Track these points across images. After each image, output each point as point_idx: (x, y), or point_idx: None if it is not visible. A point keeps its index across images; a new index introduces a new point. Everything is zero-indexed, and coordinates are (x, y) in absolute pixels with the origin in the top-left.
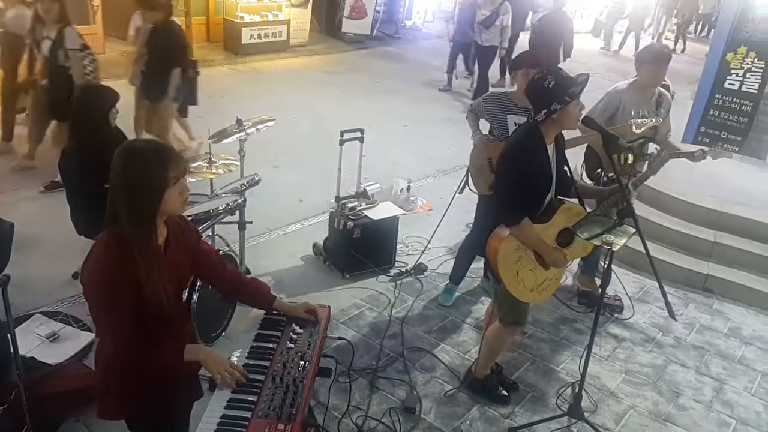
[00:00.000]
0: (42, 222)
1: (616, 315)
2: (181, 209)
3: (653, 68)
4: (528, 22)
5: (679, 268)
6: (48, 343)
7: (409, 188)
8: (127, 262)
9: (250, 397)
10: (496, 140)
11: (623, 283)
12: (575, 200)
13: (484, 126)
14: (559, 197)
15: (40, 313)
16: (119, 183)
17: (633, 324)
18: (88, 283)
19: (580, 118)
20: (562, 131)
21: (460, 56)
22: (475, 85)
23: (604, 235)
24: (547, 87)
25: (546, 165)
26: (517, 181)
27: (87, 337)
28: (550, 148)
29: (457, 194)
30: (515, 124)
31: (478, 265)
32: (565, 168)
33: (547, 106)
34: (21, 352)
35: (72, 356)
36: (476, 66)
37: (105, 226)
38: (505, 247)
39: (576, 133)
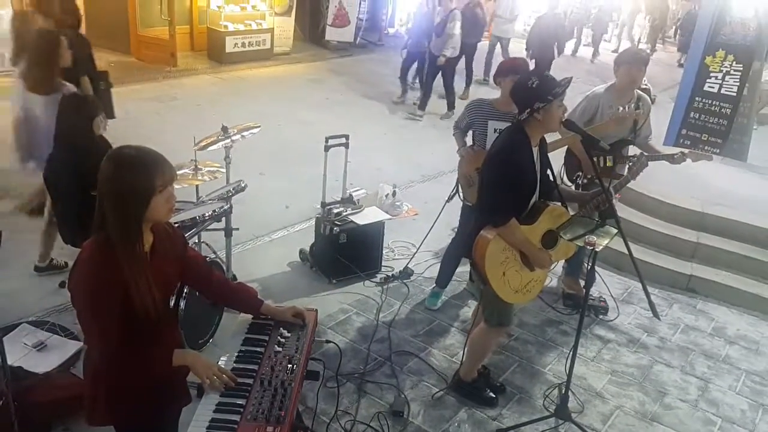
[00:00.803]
0: (28, 231)
1: (601, 316)
2: (168, 216)
3: (630, 70)
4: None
5: (663, 269)
6: (35, 352)
7: (394, 193)
8: (114, 268)
9: (239, 401)
10: (481, 149)
11: (608, 284)
12: (558, 203)
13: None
14: (543, 200)
15: (27, 322)
16: (107, 190)
17: (618, 325)
18: (75, 289)
19: (562, 120)
20: (545, 135)
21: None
22: (421, 97)
23: (586, 236)
24: (530, 86)
25: (531, 166)
26: (504, 181)
27: (74, 346)
28: (535, 151)
29: (448, 201)
30: (495, 130)
31: (464, 268)
32: (548, 172)
33: (531, 105)
34: (8, 361)
35: (59, 365)
36: (424, 77)
37: (92, 233)
38: (492, 248)
39: (556, 136)
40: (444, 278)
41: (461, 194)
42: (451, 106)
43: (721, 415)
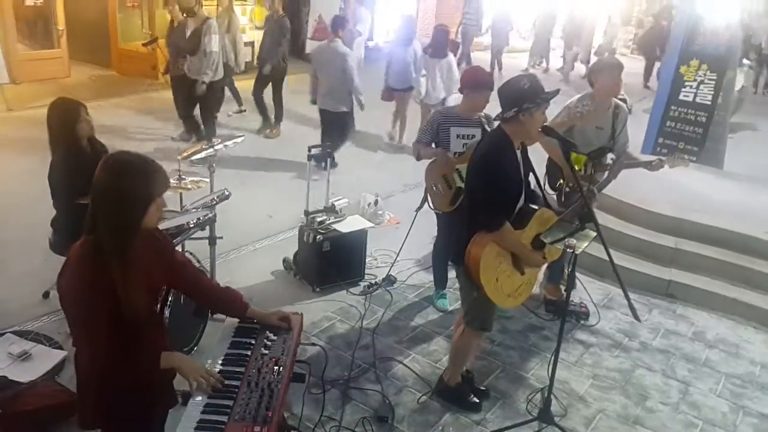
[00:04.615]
0: (15, 241)
1: (582, 321)
2: (157, 223)
3: (610, 74)
4: None
5: (642, 274)
6: (19, 362)
7: (377, 202)
8: (102, 271)
9: (227, 402)
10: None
11: (588, 290)
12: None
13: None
14: (530, 205)
15: (11, 332)
16: (105, 194)
17: (599, 330)
18: (65, 293)
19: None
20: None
21: None
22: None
23: (566, 239)
24: (522, 87)
25: (515, 166)
26: (494, 184)
27: (58, 355)
28: (518, 154)
29: (418, 212)
30: (457, 136)
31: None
32: (531, 177)
33: (519, 105)
34: None
35: (44, 374)
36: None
37: (84, 236)
38: (486, 255)
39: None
40: (440, 278)
41: (430, 203)
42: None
43: (702, 418)
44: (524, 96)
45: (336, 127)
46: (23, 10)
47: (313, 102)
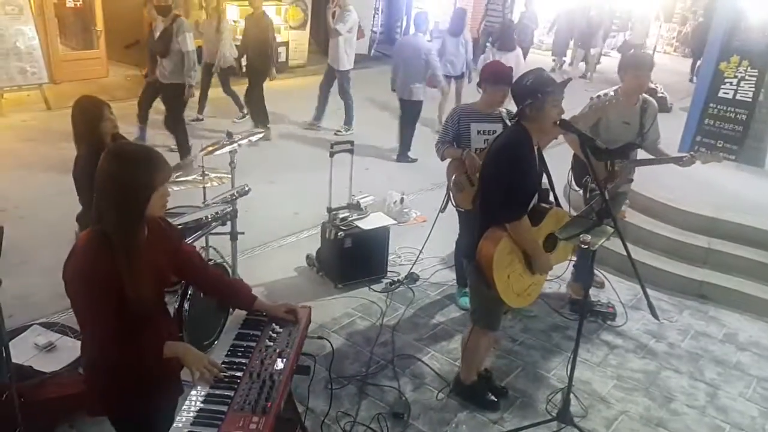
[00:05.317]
0: (43, 235)
1: (609, 322)
2: (161, 212)
3: (636, 74)
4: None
5: (674, 275)
6: (45, 352)
7: (402, 200)
8: (109, 260)
9: (228, 392)
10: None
11: (617, 290)
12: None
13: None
14: (542, 204)
15: (38, 324)
16: (110, 183)
17: (626, 331)
18: (71, 281)
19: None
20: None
21: None
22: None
23: (581, 235)
24: (525, 83)
25: (533, 160)
26: (513, 174)
27: None
28: (535, 150)
29: (441, 212)
30: (478, 132)
31: None
32: (545, 179)
33: (523, 102)
34: (19, 361)
35: (67, 365)
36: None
37: (91, 226)
38: (499, 251)
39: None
40: (463, 277)
41: (453, 201)
42: None
43: (729, 422)
44: (527, 92)
45: (410, 114)
46: (64, 11)
47: (393, 90)
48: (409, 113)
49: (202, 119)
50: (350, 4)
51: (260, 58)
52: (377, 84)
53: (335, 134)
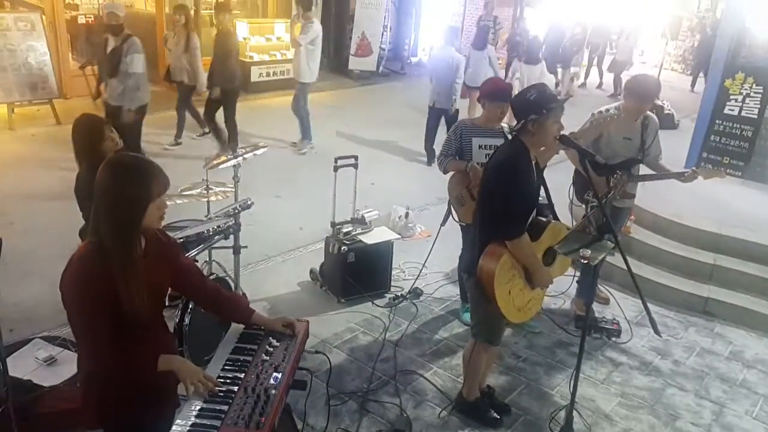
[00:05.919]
0: (48, 250)
1: (613, 339)
2: (158, 223)
3: (639, 105)
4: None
5: (679, 291)
6: (45, 366)
7: (407, 215)
8: (105, 272)
9: (222, 407)
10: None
11: (622, 307)
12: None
13: None
14: (540, 217)
15: (40, 338)
16: (105, 196)
17: (631, 348)
18: (67, 292)
19: (557, 137)
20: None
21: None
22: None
23: (581, 250)
24: (528, 98)
25: (532, 175)
26: (513, 190)
27: None
28: (533, 164)
29: (444, 226)
30: (480, 147)
31: None
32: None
33: (525, 116)
34: (19, 375)
35: (67, 379)
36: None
37: (87, 237)
38: (501, 266)
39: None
40: (466, 292)
41: (455, 216)
42: None
43: None
44: (531, 107)
45: (446, 122)
46: (76, 27)
47: (431, 105)
48: (452, 122)
49: (208, 132)
50: (314, 17)
51: (228, 82)
52: (385, 100)
53: (298, 151)
